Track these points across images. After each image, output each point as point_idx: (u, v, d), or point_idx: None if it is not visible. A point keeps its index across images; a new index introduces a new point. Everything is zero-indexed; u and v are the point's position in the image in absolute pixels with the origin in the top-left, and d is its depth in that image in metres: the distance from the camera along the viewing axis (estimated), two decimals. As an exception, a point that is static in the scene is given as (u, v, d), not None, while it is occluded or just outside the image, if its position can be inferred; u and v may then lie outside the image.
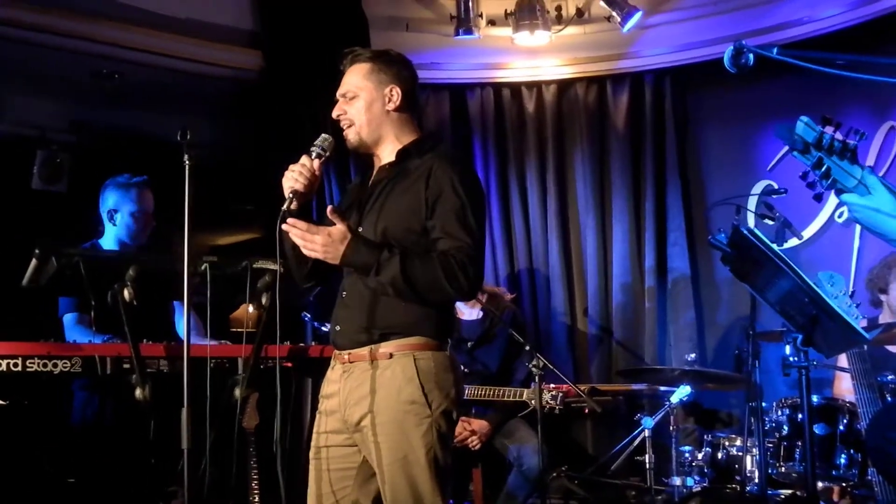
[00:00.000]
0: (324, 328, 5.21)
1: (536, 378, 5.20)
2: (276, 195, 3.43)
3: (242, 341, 4.21)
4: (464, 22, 6.94)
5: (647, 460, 5.56)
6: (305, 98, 6.53)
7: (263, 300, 3.95)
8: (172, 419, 3.57)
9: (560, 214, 7.34)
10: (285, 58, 6.85)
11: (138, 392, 3.86)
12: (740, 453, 5.27)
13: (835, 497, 5.22)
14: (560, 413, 5.48)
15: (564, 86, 7.44)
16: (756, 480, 5.03)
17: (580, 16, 7.15)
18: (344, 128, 3.52)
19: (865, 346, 4.93)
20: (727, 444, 5.40)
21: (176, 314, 5.23)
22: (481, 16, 7.09)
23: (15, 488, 4.91)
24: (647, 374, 6.37)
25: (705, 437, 5.59)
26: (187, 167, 3.61)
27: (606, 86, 7.36)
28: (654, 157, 7.20)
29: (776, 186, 6.01)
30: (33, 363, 4.03)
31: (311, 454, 3.47)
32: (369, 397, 3.31)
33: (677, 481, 5.42)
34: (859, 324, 3.74)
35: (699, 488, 5.28)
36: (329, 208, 3.37)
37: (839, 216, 6.53)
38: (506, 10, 7.05)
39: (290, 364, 4.51)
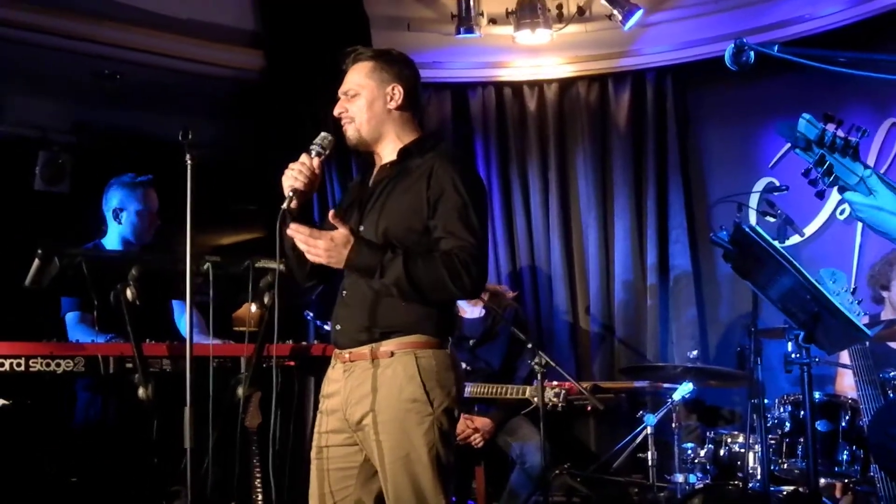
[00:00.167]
0: (326, 327, 5.21)
1: (539, 376, 5.21)
2: (277, 195, 3.43)
3: (245, 340, 4.21)
4: (465, 21, 6.94)
5: (649, 457, 5.57)
6: (306, 98, 6.54)
7: (266, 299, 3.95)
8: (175, 418, 3.58)
9: (562, 212, 7.35)
10: (286, 57, 6.86)
11: (141, 391, 3.86)
12: (743, 450, 5.27)
13: (837, 493, 5.23)
14: (562, 411, 5.48)
15: (566, 84, 7.44)
16: (758, 477, 5.02)
17: (581, 14, 7.15)
18: (344, 125, 3.52)
19: (867, 343, 4.92)
20: (729, 440, 5.39)
21: (175, 313, 5.24)
22: (482, 14, 7.09)
23: (18, 488, 4.92)
24: (650, 372, 6.37)
25: (708, 434, 5.59)
26: (189, 167, 3.61)
27: (608, 84, 7.36)
28: (655, 155, 7.20)
29: (778, 184, 6.01)
30: (36, 363, 4.04)
31: (313, 454, 3.47)
32: (370, 396, 3.31)
33: (680, 478, 5.42)
34: (861, 320, 3.74)
35: (701, 485, 5.27)
36: (331, 213, 3.37)
37: (841, 213, 6.53)
38: (507, 9, 7.04)
39: (292, 363, 4.52)
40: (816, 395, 4.96)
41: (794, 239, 5.76)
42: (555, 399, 5.41)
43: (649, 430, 5.58)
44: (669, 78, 7.23)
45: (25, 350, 4.03)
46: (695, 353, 5.93)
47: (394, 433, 3.28)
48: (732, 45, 2.86)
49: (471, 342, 5.96)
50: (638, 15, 6.77)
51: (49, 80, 6.90)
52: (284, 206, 3.37)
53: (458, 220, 3.31)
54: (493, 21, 7.19)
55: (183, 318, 5.11)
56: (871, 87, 6.26)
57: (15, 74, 6.68)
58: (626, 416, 6.65)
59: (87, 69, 6.69)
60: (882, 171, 6.33)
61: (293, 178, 3.40)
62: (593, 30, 7.25)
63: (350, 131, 3.51)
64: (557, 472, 5.90)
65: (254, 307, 4.06)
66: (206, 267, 3.97)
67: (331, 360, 3.55)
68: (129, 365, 4.13)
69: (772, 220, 5.33)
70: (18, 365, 3.98)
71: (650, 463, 5.56)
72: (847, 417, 4.99)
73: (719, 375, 6.00)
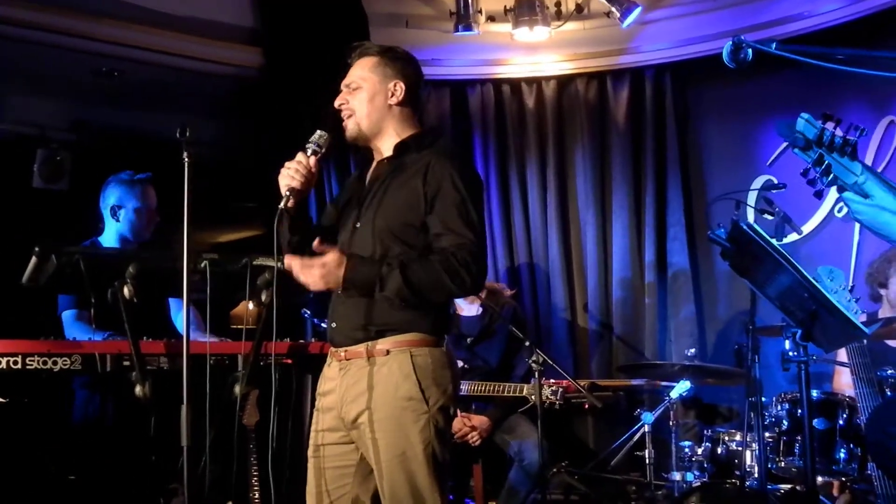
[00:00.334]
0: (324, 325, 5.20)
1: (536, 374, 5.21)
2: (276, 192, 3.44)
3: (242, 338, 4.21)
4: (463, 18, 6.94)
5: (647, 455, 5.57)
6: (305, 95, 6.53)
7: (263, 297, 3.94)
8: (172, 416, 3.57)
9: (560, 210, 7.35)
10: (285, 55, 6.85)
11: (138, 389, 3.85)
12: (740, 448, 5.27)
13: (834, 492, 5.23)
14: (560, 408, 5.49)
15: (564, 81, 7.44)
16: (756, 475, 5.02)
17: (580, 11, 7.15)
18: (344, 118, 3.54)
19: (865, 341, 4.93)
20: (727, 438, 5.40)
21: (172, 310, 5.23)
22: (481, 12, 7.10)
23: (16, 486, 4.91)
24: (647, 370, 6.38)
25: (705, 432, 5.59)
26: (187, 164, 3.61)
27: (606, 81, 7.37)
28: (654, 153, 7.21)
29: (776, 181, 6.01)
30: (33, 361, 4.04)
31: (310, 452, 3.48)
32: (366, 394, 3.31)
33: (677, 476, 5.42)
34: (859, 318, 3.75)
35: (699, 483, 5.27)
36: (315, 242, 3.37)
37: (839, 211, 6.52)
38: (505, 6, 7.04)
39: (289, 361, 4.52)
40: (814, 393, 4.96)
41: (792, 237, 5.76)
42: (552, 397, 5.42)
43: (647, 427, 5.58)
44: (668, 75, 7.23)
45: (22, 348, 4.03)
46: (692, 350, 5.93)
47: (390, 431, 3.28)
48: (730, 43, 2.86)
49: (468, 340, 5.97)
50: (636, 12, 6.77)
51: (47, 77, 6.90)
52: (281, 205, 3.37)
53: (456, 216, 3.31)
54: (491, 18, 7.19)
55: (180, 315, 5.11)
56: (870, 84, 6.27)
57: (13, 72, 6.68)
58: (623, 413, 6.66)
59: (86, 67, 6.69)
60: (880, 168, 6.35)
61: (290, 177, 3.40)
62: (592, 27, 7.24)
63: (350, 124, 3.53)
64: (555, 469, 5.90)
65: (251, 305, 4.06)
66: (203, 264, 3.96)
67: (327, 357, 3.55)
68: (127, 363, 4.13)
69: (770, 217, 5.33)
70: (15, 363, 3.98)
71: (648, 461, 5.56)
72: (844, 416, 4.99)
73: (717, 373, 6.00)
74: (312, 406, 3.58)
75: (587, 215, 7.29)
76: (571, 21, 7.17)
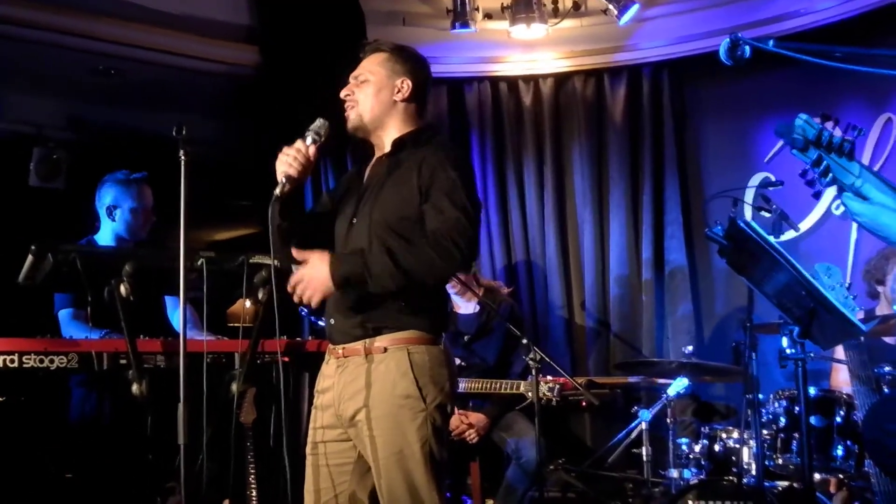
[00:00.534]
0: (321, 323, 5.21)
1: (534, 371, 5.21)
2: (273, 191, 3.43)
3: (239, 336, 4.21)
4: (460, 16, 6.94)
5: (644, 453, 5.56)
6: (302, 93, 6.52)
7: (260, 295, 3.94)
8: (169, 415, 3.57)
9: (557, 208, 7.35)
10: (282, 53, 6.85)
11: (135, 388, 3.84)
12: (737, 445, 5.27)
13: (832, 489, 5.22)
14: (558, 406, 5.49)
15: (561, 79, 7.44)
16: (753, 472, 5.02)
17: (577, 9, 7.15)
18: (347, 109, 3.54)
19: (862, 338, 4.92)
20: (724, 436, 5.39)
21: (169, 308, 5.23)
22: (478, 9, 7.09)
23: (12, 484, 4.91)
24: (645, 367, 6.37)
25: (702, 429, 5.59)
26: (183, 163, 3.60)
27: (604, 79, 7.37)
28: (651, 150, 7.21)
29: (773, 179, 5.99)
30: (30, 359, 4.03)
31: (308, 449, 3.48)
32: (364, 392, 3.31)
33: (674, 473, 5.42)
34: (856, 315, 3.74)
35: (696, 480, 5.27)
36: (293, 251, 3.38)
37: (836, 208, 6.53)
38: (502, 4, 7.03)
39: (286, 358, 4.51)
40: (811, 390, 4.96)
41: (790, 234, 5.78)
42: (550, 394, 5.42)
43: (644, 425, 5.57)
44: (665, 73, 7.23)
45: (19, 346, 4.02)
46: (690, 348, 5.92)
47: (387, 429, 3.28)
48: (728, 40, 2.85)
49: (466, 338, 5.97)
50: (633, 9, 6.77)
51: (44, 76, 6.89)
52: (277, 191, 3.37)
53: (446, 198, 3.31)
54: (488, 16, 7.19)
55: (176, 313, 5.10)
56: (867, 81, 6.28)
57: (9, 70, 6.67)
58: (621, 411, 6.66)
59: (83, 65, 6.68)
60: (878, 165, 6.35)
61: (287, 163, 3.40)
62: (589, 24, 7.24)
63: (352, 115, 3.54)
64: (553, 467, 5.89)
65: (248, 303, 4.05)
66: (200, 262, 3.96)
67: (325, 355, 3.55)
68: (124, 361, 4.12)
69: (767, 215, 5.32)
70: (12, 361, 3.97)
71: (645, 458, 5.56)
72: (842, 413, 4.99)
73: (714, 371, 6.00)
74: (310, 404, 3.58)
75: (584, 213, 7.29)
76: (568, 18, 7.17)
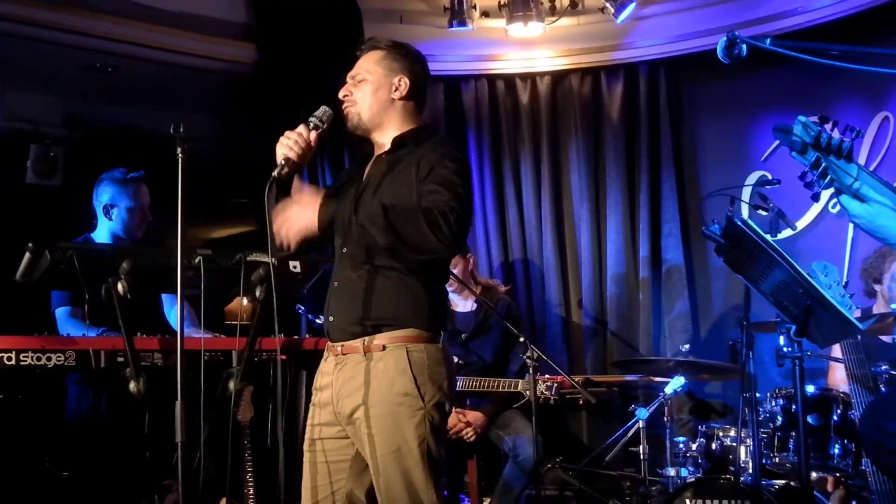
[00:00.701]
0: (318, 321, 5.21)
1: (531, 369, 5.21)
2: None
3: (236, 334, 4.20)
4: (457, 14, 6.94)
5: (641, 451, 5.57)
6: (299, 90, 6.52)
7: (257, 293, 3.94)
8: (167, 412, 3.57)
9: (554, 206, 7.35)
10: (279, 50, 6.84)
11: (132, 385, 3.84)
12: (734, 444, 5.27)
13: (829, 487, 5.23)
14: (555, 404, 5.49)
15: (559, 77, 7.44)
16: (750, 471, 5.03)
17: (574, 7, 7.15)
18: (346, 109, 3.54)
19: (859, 337, 4.93)
20: (721, 434, 5.40)
21: (165, 306, 5.23)
22: (475, 7, 7.09)
23: (9, 482, 4.91)
24: (642, 365, 6.38)
25: (700, 427, 5.59)
26: (180, 160, 3.60)
27: (601, 77, 7.37)
28: (648, 149, 7.21)
29: (770, 177, 6.02)
30: (27, 357, 4.02)
31: (306, 446, 3.48)
32: (362, 389, 3.31)
33: (672, 472, 5.43)
34: (853, 314, 3.74)
35: (693, 479, 5.27)
36: (295, 181, 3.43)
37: (833, 207, 6.53)
38: (499, 2, 7.03)
39: (284, 357, 4.51)
40: (808, 388, 4.97)
41: (787, 232, 5.77)
42: (547, 393, 5.42)
43: (641, 423, 5.58)
44: (662, 71, 7.23)
45: (16, 344, 4.01)
46: (687, 346, 5.93)
47: (385, 427, 3.28)
48: (725, 39, 2.86)
49: (463, 336, 5.97)
50: (630, 8, 6.77)
51: (41, 73, 6.89)
52: (275, 173, 3.37)
53: (440, 183, 3.31)
54: (485, 14, 7.19)
55: (173, 311, 5.10)
56: (864, 80, 6.28)
57: (6, 67, 6.66)
58: (618, 409, 6.67)
59: (80, 63, 6.67)
60: (875, 163, 6.35)
61: (288, 147, 3.40)
62: (586, 23, 7.25)
63: (351, 115, 3.53)
64: (550, 465, 5.89)
65: (245, 301, 4.05)
66: (197, 260, 3.95)
67: (323, 353, 3.54)
68: (121, 359, 4.10)
69: (764, 213, 5.32)
70: (9, 359, 3.96)
71: (642, 456, 5.56)
72: (839, 411, 4.99)
73: (711, 369, 6.01)
74: (307, 402, 3.58)
75: (581, 211, 7.29)
76: (565, 17, 7.17)
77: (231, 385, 4.06)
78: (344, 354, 3.39)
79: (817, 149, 2.74)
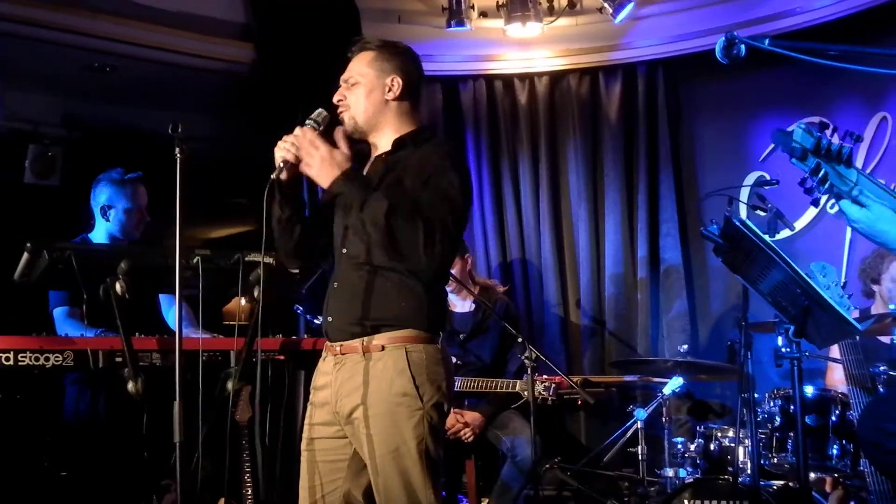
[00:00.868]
0: (316, 321, 5.21)
1: (529, 370, 5.21)
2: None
3: (235, 334, 4.20)
4: (455, 14, 6.94)
5: (639, 451, 5.56)
6: (297, 90, 6.51)
7: (256, 293, 3.93)
8: (165, 413, 3.56)
9: (553, 206, 7.35)
10: (277, 50, 6.84)
11: (131, 385, 3.84)
12: (733, 444, 5.27)
13: (827, 488, 5.23)
14: (553, 404, 5.49)
15: (557, 77, 7.45)
16: (748, 471, 5.03)
17: (572, 7, 7.15)
18: (341, 113, 3.52)
19: (857, 337, 4.93)
20: (720, 435, 5.40)
21: (163, 306, 5.22)
22: (473, 7, 7.09)
23: (7, 482, 4.91)
24: (640, 366, 6.38)
25: (698, 428, 5.59)
26: (178, 160, 3.60)
27: (599, 77, 7.37)
28: (646, 149, 7.21)
29: (768, 177, 6.02)
30: (25, 357, 4.01)
31: (303, 446, 3.47)
32: (361, 389, 3.30)
33: (670, 472, 5.43)
34: (851, 314, 3.74)
35: (692, 479, 5.27)
36: (338, 130, 3.39)
37: (831, 207, 6.52)
38: (497, 2, 7.04)
39: (282, 357, 4.51)
40: (807, 389, 4.96)
41: (785, 233, 5.77)
42: (545, 393, 5.42)
43: (639, 424, 5.57)
44: (660, 71, 7.24)
45: (14, 344, 4.00)
46: (685, 346, 5.93)
47: (383, 427, 3.27)
48: (723, 39, 2.86)
49: (461, 336, 5.97)
50: (629, 8, 6.77)
51: (39, 73, 6.88)
52: (273, 176, 3.36)
53: (439, 196, 3.29)
54: (483, 14, 7.19)
55: (171, 311, 5.10)
56: (863, 80, 6.29)
57: (5, 67, 6.65)
58: (616, 410, 6.66)
59: (78, 62, 6.67)
60: (872, 164, 6.36)
61: (286, 149, 3.39)
62: (584, 23, 7.25)
63: (346, 119, 3.51)
64: (548, 465, 5.90)
65: (244, 301, 4.05)
66: (195, 260, 3.95)
67: (321, 354, 3.54)
68: (119, 359, 4.10)
69: (762, 213, 5.32)
70: (7, 359, 3.95)
71: (640, 457, 5.56)
72: (837, 412, 4.99)
73: (709, 369, 6.01)
74: (305, 402, 3.58)
75: (579, 211, 7.29)
76: (564, 17, 7.17)
77: (229, 385, 4.06)
78: (343, 354, 3.39)
79: (817, 155, 2.74)
